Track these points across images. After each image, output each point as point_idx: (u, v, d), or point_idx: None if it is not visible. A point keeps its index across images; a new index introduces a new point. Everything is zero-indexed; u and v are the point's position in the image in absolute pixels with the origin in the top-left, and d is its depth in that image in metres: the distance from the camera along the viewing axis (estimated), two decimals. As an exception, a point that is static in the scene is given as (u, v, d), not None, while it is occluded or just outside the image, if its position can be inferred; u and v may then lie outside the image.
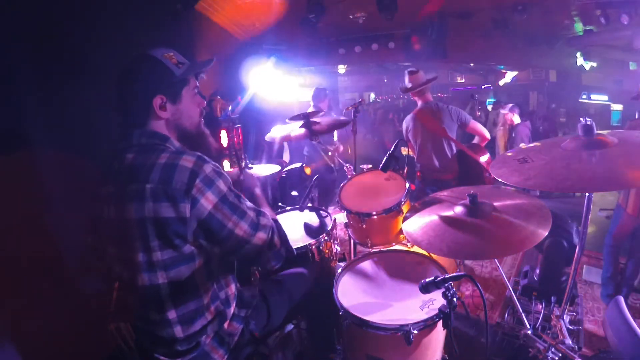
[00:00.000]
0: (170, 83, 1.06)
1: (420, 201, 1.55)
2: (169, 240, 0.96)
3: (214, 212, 0.98)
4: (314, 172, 4.00)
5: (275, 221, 1.19)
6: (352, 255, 2.07)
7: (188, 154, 1.00)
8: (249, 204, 1.09)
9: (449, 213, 1.31)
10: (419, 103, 2.93)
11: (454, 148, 2.87)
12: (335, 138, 4.29)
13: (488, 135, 2.90)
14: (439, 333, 1.28)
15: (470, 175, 2.80)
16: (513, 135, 5.48)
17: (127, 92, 1.05)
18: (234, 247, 1.06)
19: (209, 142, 1.18)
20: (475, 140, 2.95)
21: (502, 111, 5.81)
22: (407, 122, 3.04)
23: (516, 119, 5.52)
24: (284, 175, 4.09)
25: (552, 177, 1.03)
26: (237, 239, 1.03)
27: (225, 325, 1.16)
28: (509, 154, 1.30)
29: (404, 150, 3.16)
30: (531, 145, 1.31)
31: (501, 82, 8.63)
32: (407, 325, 1.17)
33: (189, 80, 1.11)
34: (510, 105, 5.71)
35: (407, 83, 2.90)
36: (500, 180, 1.16)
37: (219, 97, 3.65)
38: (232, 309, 1.18)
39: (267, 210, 1.24)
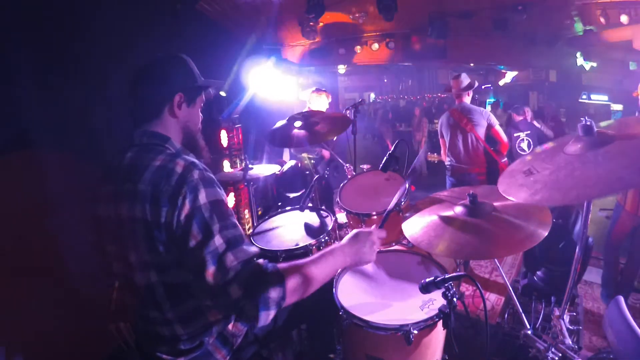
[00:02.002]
0: (192, 86, 1.10)
1: (420, 201, 1.55)
2: (154, 244, 0.94)
3: (184, 223, 0.90)
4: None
5: (254, 273, 0.90)
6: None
7: (182, 158, 0.98)
8: (228, 231, 0.92)
9: (449, 213, 1.31)
10: (456, 102, 3.29)
11: (481, 144, 3.19)
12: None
13: (506, 140, 3.27)
14: (439, 333, 1.28)
15: (495, 176, 3.13)
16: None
17: (150, 82, 1.05)
18: (192, 269, 0.91)
19: (203, 150, 1.17)
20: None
21: (509, 111, 6.03)
22: (442, 119, 3.41)
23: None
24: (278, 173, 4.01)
25: (558, 189, 1.01)
26: (195, 261, 0.89)
27: (230, 326, 1.16)
28: (517, 165, 1.27)
29: (433, 157, 3.44)
30: (535, 151, 1.30)
31: (501, 82, 8.63)
32: (407, 325, 1.17)
33: (203, 91, 1.14)
34: (516, 106, 5.84)
35: (451, 85, 3.34)
36: (509, 198, 1.13)
37: None
38: None
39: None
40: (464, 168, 3.24)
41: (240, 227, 0.96)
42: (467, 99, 3.24)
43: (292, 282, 0.92)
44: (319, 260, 1.01)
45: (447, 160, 3.38)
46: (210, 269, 0.88)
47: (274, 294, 0.89)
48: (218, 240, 0.90)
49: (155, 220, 0.92)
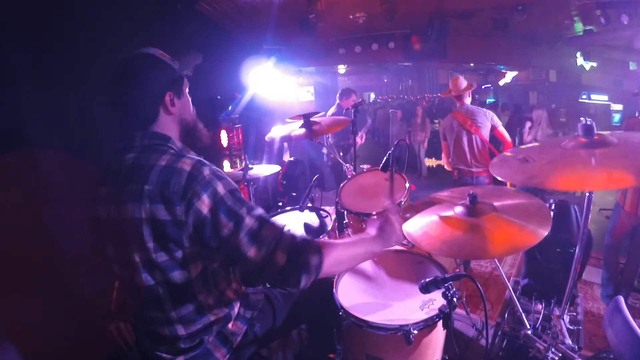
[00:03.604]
0: (174, 79, 1.07)
1: (420, 201, 1.54)
2: (163, 244, 0.95)
3: (210, 216, 0.93)
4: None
5: (293, 239, 0.99)
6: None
7: (188, 157, 0.98)
8: (255, 211, 0.98)
9: (449, 213, 1.31)
10: (457, 105, 3.23)
11: (486, 146, 3.14)
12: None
13: (510, 141, 3.19)
14: (439, 333, 1.28)
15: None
16: None
17: (134, 92, 1.02)
18: (230, 257, 0.97)
19: (202, 133, 1.17)
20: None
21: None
22: (444, 122, 3.34)
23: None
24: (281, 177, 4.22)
25: (557, 176, 1.03)
26: (233, 248, 0.94)
27: (230, 325, 1.16)
28: (509, 153, 1.30)
29: (430, 162, 3.45)
30: (530, 145, 1.32)
31: (501, 82, 8.65)
32: (407, 325, 1.17)
33: (185, 77, 1.12)
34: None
35: (450, 88, 3.25)
36: (500, 179, 1.16)
37: None
38: (236, 310, 1.18)
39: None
40: (470, 171, 3.18)
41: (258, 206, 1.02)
42: (467, 100, 3.20)
43: (328, 254, 1.00)
44: (354, 243, 1.11)
45: (453, 163, 3.31)
46: (252, 249, 0.94)
47: (313, 260, 0.97)
48: (250, 221, 0.95)
49: (169, 219, 0.92)
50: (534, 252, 2.06)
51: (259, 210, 0.99)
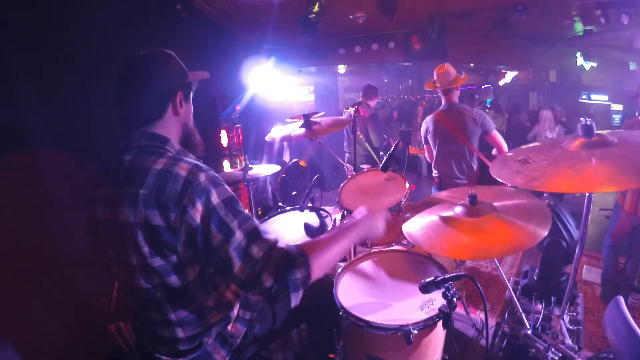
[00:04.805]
0: (186, 83, 1.09)
1: (420, 201, 1.54)
2: (158, 249, 0.94)
3: (201, 225, 0.91)
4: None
5: (280, 259, 0.94)
6: (352, 255, 2.07)
7: (185, 161, 0.96)
8: (247, 224, 0.94)
9: (449, 213, 1.31)
10: (443, 103, 2.74)
11: (476, 157, 2.71)
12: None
13: (506, 148, 2.67)
14: (439, 333, 1.28)
15: (488, 182, 2.71)
16: None
17: (149, 85, 1.01)
18: (218, 268, 0.96)
19: (198, 142, 1.17)
20: (493, 152, 2.77)
21: None
22: (427, 124, 2.86)
23: None
24: (284, 176, 4.21)
25: (560, 178, 1.03)
26: (222, 260, 0.92)
27: (229, 327, 1.15)
28: (509, 154, 1.30)
29: (412, 150, 3.22)
30: (530, 145, 1.31)
31: (501, 82, 8.64)
32: (407, 325, 1.17)
33: (193, 86, 1.13)
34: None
35: (435, 80, 2.70)
36: (500, 180, 1.16)
37: None
38: (235, 312, 1.18)
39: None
40: (455, 182, 2.76)
41: (253, 217, 0.99)
42: (456, 96, 2.69)
43: (315, 261, 0.97)
44: (338, 236, 1.07)
45: (434, 172, 2.91)
46: (238, 265, 0.92)
47: (300, 274, 0.94)
48: (239, 236, 0.92)
49: (163, 225, 0.91)
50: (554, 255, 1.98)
51: (252, 223, 0.96)
